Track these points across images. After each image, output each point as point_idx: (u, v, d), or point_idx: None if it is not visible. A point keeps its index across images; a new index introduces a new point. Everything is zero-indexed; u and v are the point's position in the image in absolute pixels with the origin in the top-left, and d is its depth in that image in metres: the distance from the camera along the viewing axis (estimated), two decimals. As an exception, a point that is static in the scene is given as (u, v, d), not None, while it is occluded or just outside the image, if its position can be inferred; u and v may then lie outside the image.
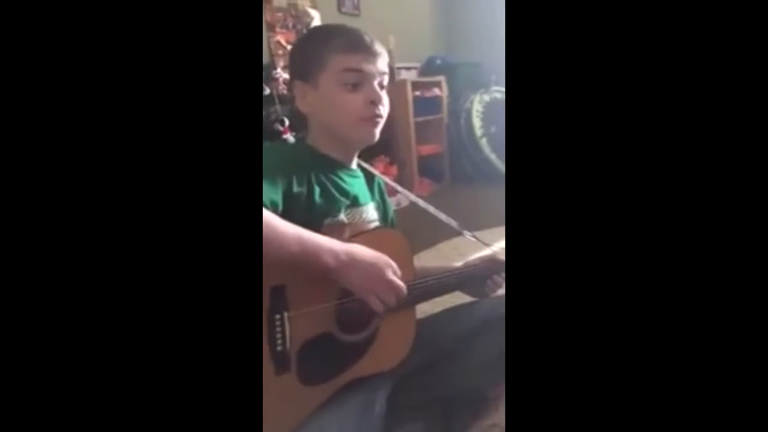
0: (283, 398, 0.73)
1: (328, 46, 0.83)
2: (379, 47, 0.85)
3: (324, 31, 0.90)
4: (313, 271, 0.71)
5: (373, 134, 0.86)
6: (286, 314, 0.72)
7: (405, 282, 0.79)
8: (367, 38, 0.84)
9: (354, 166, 0.94)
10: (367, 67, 0.83)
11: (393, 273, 0.76)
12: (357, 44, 0.83)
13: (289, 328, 0.72)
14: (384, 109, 0.86)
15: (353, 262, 0.73)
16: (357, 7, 3.78)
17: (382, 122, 0.86)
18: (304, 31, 3.16)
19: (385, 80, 0.87)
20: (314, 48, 0.85)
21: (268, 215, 0.66)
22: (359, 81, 0.83)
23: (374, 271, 0.75)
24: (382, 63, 0.85)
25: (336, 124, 0.85)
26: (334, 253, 0.71)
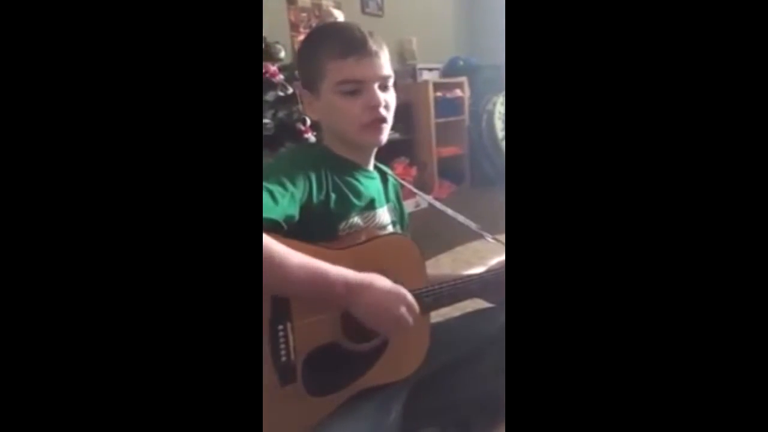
0: (290, 409, 0.72)
1: (324, 53, 0.81)
2: (374, 45, 0.81)
3: (319, 34, 0.87)
4: (321, 298, 0.70)
5: (377, 138, 0.85)
6: (289, 324, 0.71)
7: (416, 288, 0.77)
8: (358, 35, 0.80)
9: (371, 167, 0.93)
10: (363, 73, 0.80)
11: (406, 308, 0.74)
12: (350, 46, 0.79)
13: (293, 338, 0.71)
14: (387, 112, 0.84)
15: (366, 294, 0.71)
16: (380, 8, 3.78)
17: (386, 125, 0.85)
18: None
19: (389, 81, 0.84)
20: (311, 55, 0.84)
21: (272, 246, 0.64)
22: (357, 88, 0.81)
23: (386, 305, 0.72)
24: (380, 62, 0.82)
25: (341, 130, 0.85)
26: (347, 285, 0.70)
